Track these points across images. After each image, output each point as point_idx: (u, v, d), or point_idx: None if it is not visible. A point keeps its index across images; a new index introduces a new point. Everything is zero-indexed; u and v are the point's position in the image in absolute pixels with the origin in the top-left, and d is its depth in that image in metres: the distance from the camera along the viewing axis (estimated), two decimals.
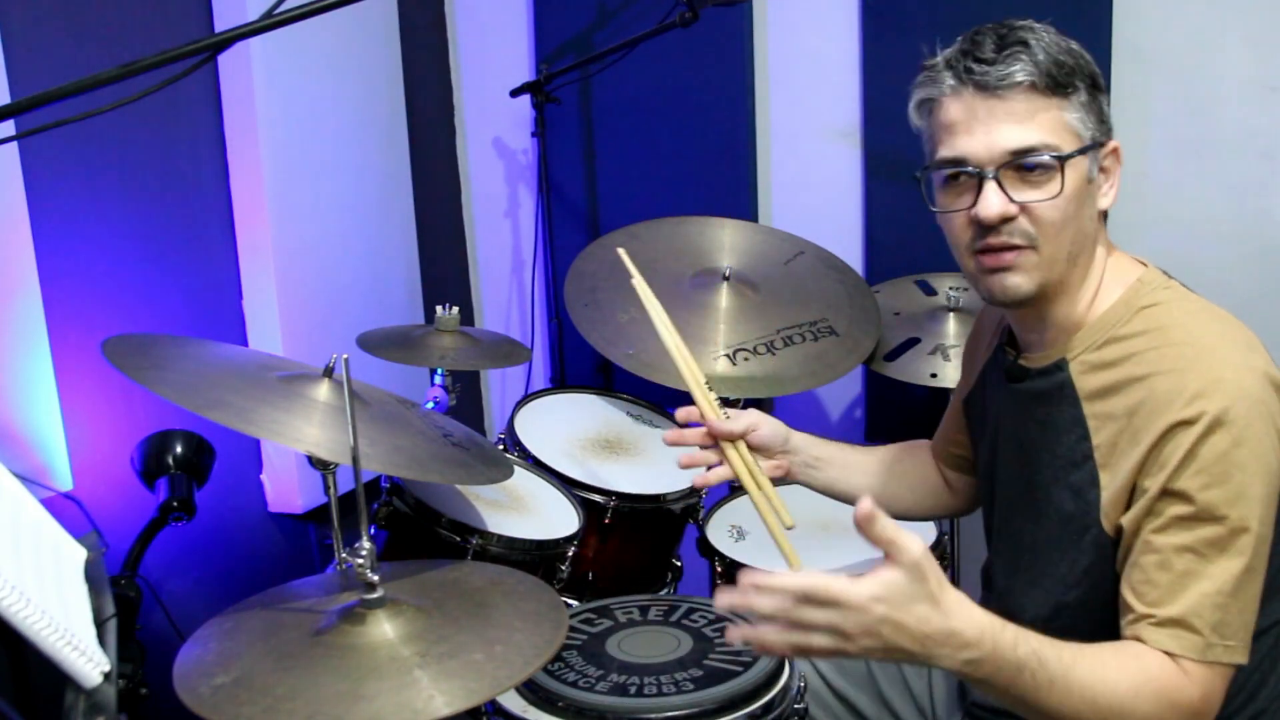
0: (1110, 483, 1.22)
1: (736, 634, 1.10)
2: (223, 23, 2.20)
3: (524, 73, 2.87)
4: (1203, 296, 1.28)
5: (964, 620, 1.07)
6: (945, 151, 1.25)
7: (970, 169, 1.23)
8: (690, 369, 1.46)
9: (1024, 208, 1.22)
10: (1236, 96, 2.27)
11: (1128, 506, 1.20)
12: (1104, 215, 1.30)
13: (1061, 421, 1.28)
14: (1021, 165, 1.21)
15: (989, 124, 1.21)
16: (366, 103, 2.62)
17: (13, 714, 1.03)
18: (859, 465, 1.64)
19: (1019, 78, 1.19)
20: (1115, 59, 2.30)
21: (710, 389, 1.47)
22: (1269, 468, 1.15)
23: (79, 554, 1.30)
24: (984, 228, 1.23)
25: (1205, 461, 1.14)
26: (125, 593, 1.55)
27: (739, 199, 2.69)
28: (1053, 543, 1.30)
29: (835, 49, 2.57)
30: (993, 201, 1.21)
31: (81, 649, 1.04)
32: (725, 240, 2.31)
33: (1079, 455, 1.26)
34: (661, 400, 2.30)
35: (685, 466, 1.53)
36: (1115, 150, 1.28)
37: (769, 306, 2.19)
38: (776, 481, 1.50)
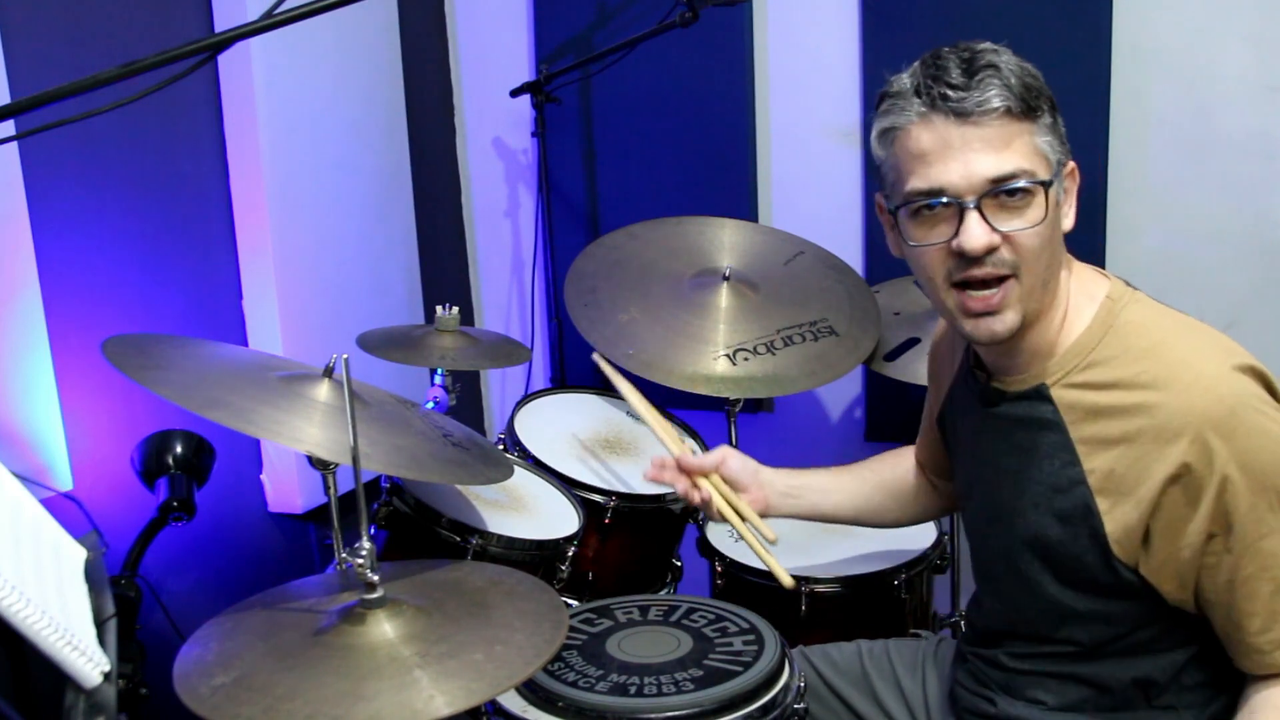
0: (1113, 509, 1.20)
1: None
2: (223, 23, 2.20)
3: (524, 73, 2.87)
4: (1187, 299, 1.30)
5: None
6: (919, 183, 1.19)
7: (948, 199, 1.18)
8: (664, 428, 1.63)
9: (1006, 237, 1.18)
10: (1237, 96, 2.26)
11: (1145, 537, 1.19)
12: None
13: (1044, 447, 1.26)
14: (1002, 193, 1.16)
15: (965, 152, 1.16)
16: (366, 103, 2.62)
17: (13, 714, 1.03)
18: (838, 486, 1.67)
19: (995, 103, 1.14)
20: (1115, 59, 2.30)
21: (684, 439, 1.58)
22: None
23: (79, 554, 1.30)
24: (965, 259, 1.19)
25: (1234, 499, 1.14)
26: (125, 593, 1.55)
27: (739, 199, 2.69)
28: (1025, 565, 1.30)
29: (835, 49, 2.57)
30: (976, 233, 1.16)
31: (81, 649, 1.04)
32: (725, 240, 2.31)
33: (1065, 481, 1.24)
34: (661, 400, 2.30)
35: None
36: (1073, 171, 1.25)
37: (769, 306, 2.18)
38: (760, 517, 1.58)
